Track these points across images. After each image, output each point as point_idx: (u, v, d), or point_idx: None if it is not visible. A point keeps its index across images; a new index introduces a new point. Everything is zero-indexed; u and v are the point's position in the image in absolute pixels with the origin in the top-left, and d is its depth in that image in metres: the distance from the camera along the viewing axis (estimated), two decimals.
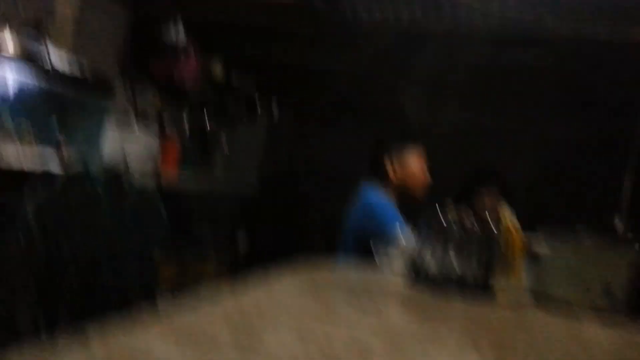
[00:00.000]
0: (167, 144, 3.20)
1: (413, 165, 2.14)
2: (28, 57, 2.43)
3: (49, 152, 2.55)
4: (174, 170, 3.24)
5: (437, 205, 1.74)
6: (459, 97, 3.92)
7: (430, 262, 1.37)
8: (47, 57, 2.51)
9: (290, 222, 4.25)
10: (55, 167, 2.44)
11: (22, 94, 2.50)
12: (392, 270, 1.46)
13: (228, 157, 4.22)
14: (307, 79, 4.29)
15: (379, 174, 2.13)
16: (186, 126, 3.84)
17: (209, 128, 4.00)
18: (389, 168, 2.11)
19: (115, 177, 2.72)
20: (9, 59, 2.32)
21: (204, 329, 0.73)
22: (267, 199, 3.53)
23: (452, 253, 1.34)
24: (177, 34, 3.44)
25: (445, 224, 1.39)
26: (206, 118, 4.01)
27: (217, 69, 3.93)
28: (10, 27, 2.54)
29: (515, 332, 1.02)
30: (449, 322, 1.00)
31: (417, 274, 1.37)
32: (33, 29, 2.69)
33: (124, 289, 1.38)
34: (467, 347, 0.85)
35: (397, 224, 1.87)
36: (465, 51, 3.50)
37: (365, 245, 1.87)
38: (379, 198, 2.09)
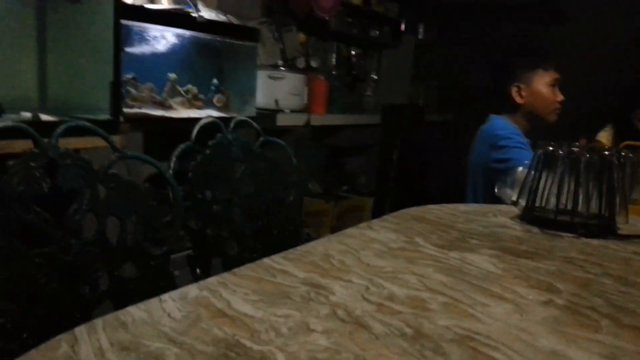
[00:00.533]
0: (314, 81, 3.33)
1: (543, 88, 1.96)
2: (179, 12, 2.66)
3: (209, 100, 2.82)
4: (323, 106, 3.37)
5: (569, 132, 1.66)
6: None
7: (550, 193, 1.34)
8: (196, 10, 2.73)
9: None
10: (216, 115, 2.71)
11: (181, 48, 2.76)
12: (509, 201, 1.45)
13: (377, 87, 4.26)
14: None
15: (505, 100, 2.00)
16: (332, 60, 3.93)
17: (354, 60, 4.04)
18: (514, 93, 1.98)
19: (268, 119, 2.95)
20: (163, 15, 2.57)
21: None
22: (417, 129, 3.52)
23: (573, 186, 1.30)
24: None
25: (570, 153, 1.33)
26: (351, 50, 4.06)
27: None
28: None
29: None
30: (546, 261, 1.00)
31: (528, 205, 1.35)
32: None
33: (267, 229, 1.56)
34: (551, 287, 0.86)
35: (524, 153, 1.81)
36: None
37: (491, 178, 1.84)
38: (503, 125, 1.97)
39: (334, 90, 3.60)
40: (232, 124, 1.55)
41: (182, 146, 1.38)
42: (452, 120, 4.51)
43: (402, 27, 4.33)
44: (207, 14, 2.77)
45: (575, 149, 1.30)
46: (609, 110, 2.73)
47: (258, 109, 2.95)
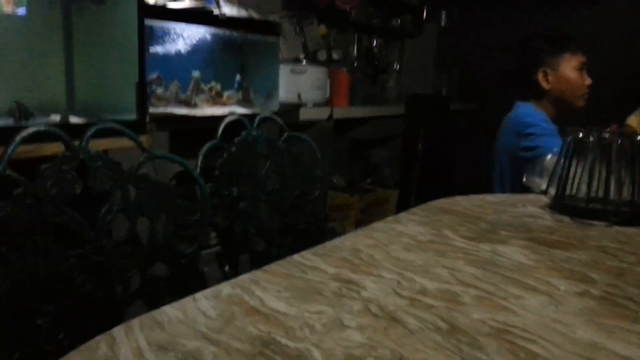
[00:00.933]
0: (336, 74, 3.32)
1: (570, 72, 1.92)
2: (200, 9, 2.67)
3: (233, 96, 2.84)
4: (346, 99, 3.36)
5: (598, 118, 1.63)
6: None
7: (580, 181, 1.31)
8: (217, 7, 2.74)
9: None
10: (241, 111, 2.73)
11: (203, 45, 2.77)
12: (539, 190, 1.43)
13: (399, 77, 4.22)
14: None
15: (531, 86, 1.96)
16: (354, 52, 3.91)
17: (376, 50, 4.02)
18: (541, 78, 1.94)
19: (291, 114, 2.95)
20: (185, 13, 2.58)
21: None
22: (442, 117, 3.49)
23: (605, 173, 1.27)
24: None
25: (600, 139, 1.31)
26: (373, 40, 4.03)
27: None
28: None
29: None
30: (579, 251, 0.99)
31: (558, 194, 1.33)
32: None
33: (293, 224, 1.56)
34: (584, 277, 0.85)
35: (552, 140, 1.78)
36: None
37: (519, 166, 1.82)
38: (530, 112, 1.93)
39: (356, 83, 3.58)
40: (256, 121, 1.55)
41: (208, 145, 1.39)
42: (477, 109, 4.46)
43: (424, 14, 4.29)
44: (228, 9, 2.78)
45: (606, 135, 1.28)
46: (638, 93, 2.67)
47: (281, 103, 2.95)
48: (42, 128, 1.00)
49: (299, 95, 3.01)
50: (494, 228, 1.11)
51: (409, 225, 1.12)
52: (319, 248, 0.96)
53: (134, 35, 2.13)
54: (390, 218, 1.17)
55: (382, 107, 3.71)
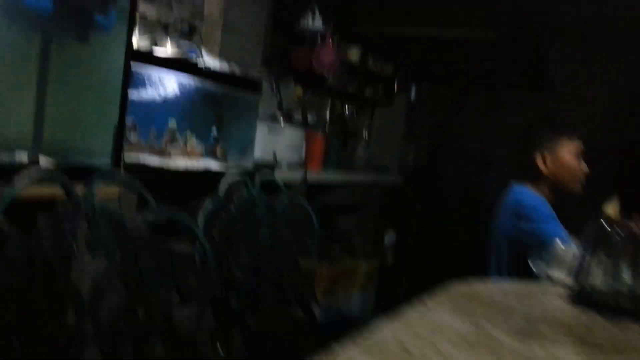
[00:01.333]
0: (311, 136, 3.26)
1: (567, 156, 1.92)
2: (183, 59, 2.58)
3: (206, 149, 2.71)
4: (319, 162, 3.29)
5: (600, 204, 1.59)
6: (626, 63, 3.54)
7: (596, 273, 1.26)
8: (200, 57, 2.65)
9: (434, 218, 4.17)
10: (214, 165, 2.61)
11: (181, 95, 2.66)
12: (551, 280, 1.36)
13: (368, 145, 4.22)
14: (448, 53, 4.15)
15: (529, 169, 1.95)
16: (327, 116, 3.89)
17: (348, 116, 4.01)
18: (539, 161, 1.93)
19: (267, 174, 2.84)
20: (167, 61, 2.48)
21: None
22: (410, 191, 3.47)
23: (622, 263, 1.22)
24: (315, 21, 3.48)
25: (610, 228, 1.27)
26: (345, 106, 4.03)
27: (354, 54, 3.92)
28: (167, 31, 2.73)
29: None
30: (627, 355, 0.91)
31: (581, 287, 1.27)
32: (186, 30, 2.88)
33: (285, 300, 1.42)
34: None
35: (553, 224, 1.75)
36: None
37: (518, 249, 1.77)
38: (530, 195, 1.91)
39: (329, 147, 3.53)
40: (257, 183, 1.45)
41: (209, 206, 1.27)
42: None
43: (395, 87, 4.36)
44: (210, 61, 2.70)
45: (632, 226, 1.24)
46: (613, 179, 2.71)
47: (255, 161, 2.84)
48: (46, 172, 0.86)
49: (275, 155, 2.91)
50: (531, 323, 1.03)
51: (441, 313, 1.02)
52: (357, 338, 0.84)
53: (117, 78, 2.00)
54: (416, 303, 1.07)
55: (353, 173, 3.66)
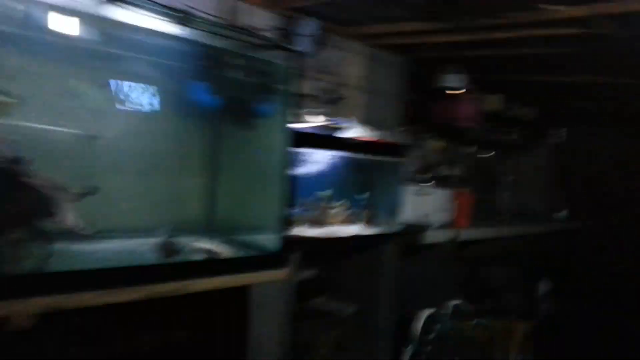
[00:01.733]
0: (460, 195, 3.21)
1: None
2: (330, 129, 2.68)
3: (356, 214, 2.78)
4: (467, 219, 3.22)
5: None
6: None
7: None
8: (347, 128, 2.74)
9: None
10: (366, 230, 2.67)
11: (331, 165, 2.77)
12: None
13: (516, 195, 4.08)
14: (589, 95, 3.94)
15: None
16: (472, 166, 3.83)
17: (492, 164, 3.93)
18: None
19: (417, 235, 2.85)
20: (317, 132, 2.60)
21: None
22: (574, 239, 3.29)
23: None
24: (455, 75, 3.46)
25: None
26: (487, 154, 3.95)
27: (496, 103, 3.85)
28: (315, 103, 2.87)
29: None
30: None
31: None
32: (333, 99, 3.00)
33: None
34: None
35: None
36: None
37: None
38: None
39: (476, 202, 3.47)
40: (449, 311, 1.46)
41: (410, 349, 1.31)
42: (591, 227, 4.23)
43: (539, 130, 4.21)
44: (357, 130, 2.77)
45: None
46: None
47: (405, 223, 2.86)
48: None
49: (426, 216, 2.91)
50: None
51: None
52: None
53: (278, 160, 2.14)
54: None
55: (502, 228, 3.56)
